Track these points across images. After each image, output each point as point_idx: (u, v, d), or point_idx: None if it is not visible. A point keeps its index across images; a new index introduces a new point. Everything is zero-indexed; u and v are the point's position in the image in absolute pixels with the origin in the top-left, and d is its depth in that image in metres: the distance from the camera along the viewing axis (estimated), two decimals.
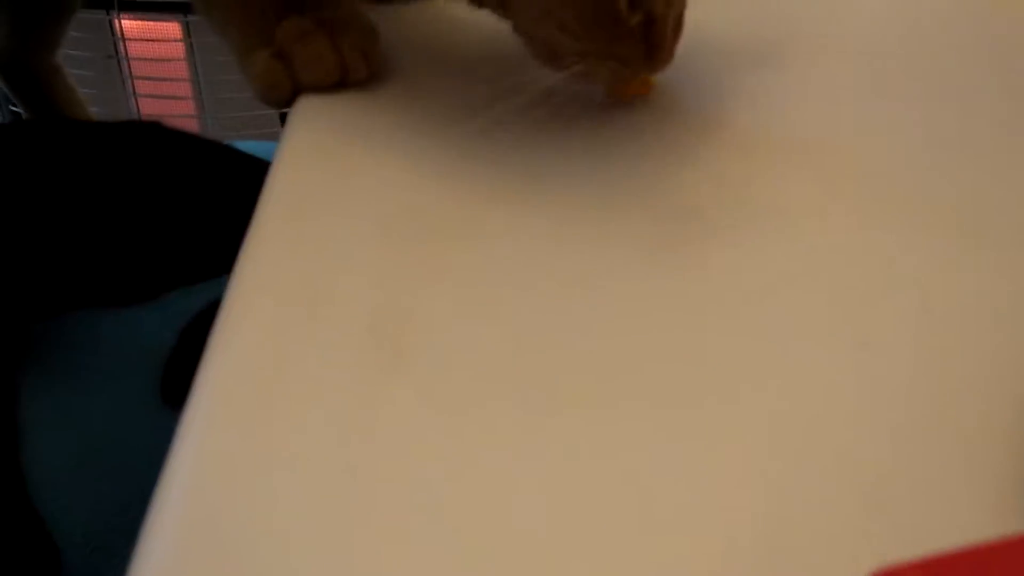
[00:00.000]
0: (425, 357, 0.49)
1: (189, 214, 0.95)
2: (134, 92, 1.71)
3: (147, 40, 1.69)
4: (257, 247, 0.57)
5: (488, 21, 0.77)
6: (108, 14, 1.64)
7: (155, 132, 1.01)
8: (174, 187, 0.96)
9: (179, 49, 1.69)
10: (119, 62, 1.69)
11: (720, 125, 0.68)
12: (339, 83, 0.70)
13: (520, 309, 0.52)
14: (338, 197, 0.61)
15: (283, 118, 0.91)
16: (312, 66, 0.69)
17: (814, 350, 0.50)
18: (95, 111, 1.70)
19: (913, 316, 0.52)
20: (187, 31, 1.69)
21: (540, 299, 0.53)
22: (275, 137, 1.10)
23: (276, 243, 0.57)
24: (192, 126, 1.75)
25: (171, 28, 1.68)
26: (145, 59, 1.70)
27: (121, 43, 1.67)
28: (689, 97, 0.71)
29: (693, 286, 0.54)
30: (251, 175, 0.75)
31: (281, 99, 0.70)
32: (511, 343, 0.50)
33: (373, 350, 0.50)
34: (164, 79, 1.72)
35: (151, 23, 1.67)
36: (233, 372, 0.49)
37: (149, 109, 1.73)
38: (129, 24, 1.66)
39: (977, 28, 0.80)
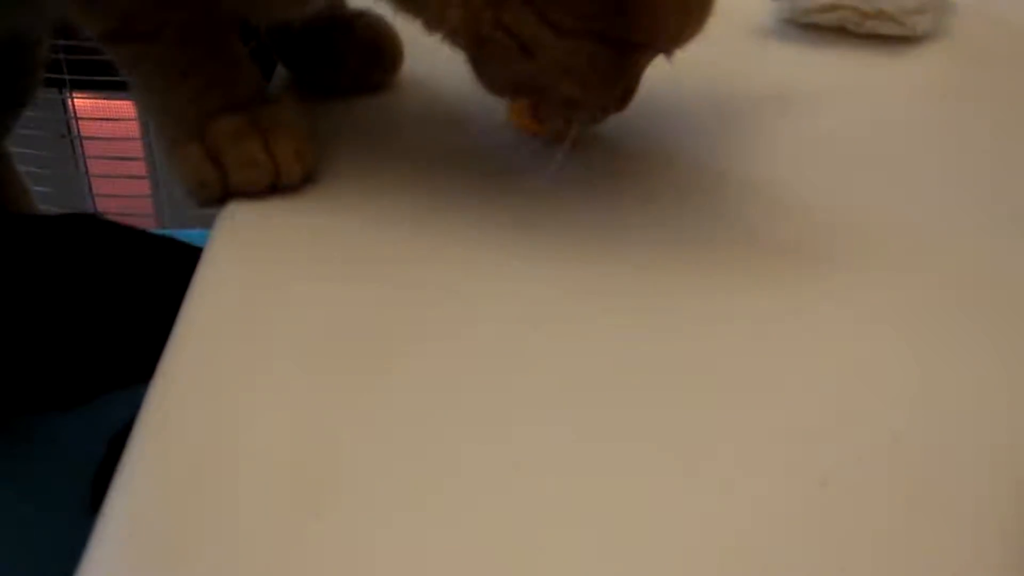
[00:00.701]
0: (349, 500, 0.46)
1: (124, 312, 0.92)
2: (87, 172, 1.68)
3: (101, 119, 1.66)
4: (171, 376, 0.54)
5: (436, 113, 0.76)
6: (61, 93, 1.61)
7: (91, 226, 0.98)
8: (108, 285, 0.93)
9: (133, 128, 1.67)
10: (72, 141, 1.67)
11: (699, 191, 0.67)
12: (271, 186, 0.67)
13: (452, 442, 0.50)
14: (262, 318, 0.59)
15: None
16: (244, 169, 0.67)
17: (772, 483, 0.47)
18: (47, 191, 1.67)
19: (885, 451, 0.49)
20: None
21: (472, 433, 0.50)
22: None
23: (191, 372, 0.55)
24: (147, 207, 1.72)
25: (125, 107, 1.65)
26: (99, 138, 1.68)
27: (74, 122, 1.65)
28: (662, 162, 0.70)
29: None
30: (190, 268, 0.72)
31: (210, 199, 0.68)
32: (445, 486, 0.47)
33: (292, 491, 0.47)
34: (118, 158, 1.69)
35: (105, 101, 1.65)
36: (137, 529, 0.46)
37: (103, 189, 1.70)
38: (82, 103, 1.64)
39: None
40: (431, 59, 0.79)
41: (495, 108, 0.75)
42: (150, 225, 1.70)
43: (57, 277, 0.92)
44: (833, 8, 0.85)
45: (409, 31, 0.78)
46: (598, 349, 0.56)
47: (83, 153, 1.69)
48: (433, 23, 0.64)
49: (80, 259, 0.95)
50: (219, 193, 0.67)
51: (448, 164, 0.72)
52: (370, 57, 0.79)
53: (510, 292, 0.61)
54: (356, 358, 0.55)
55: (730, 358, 0.55)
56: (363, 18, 0.79)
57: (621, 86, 0.65)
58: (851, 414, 0.52)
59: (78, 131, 1.66)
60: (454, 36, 0.64)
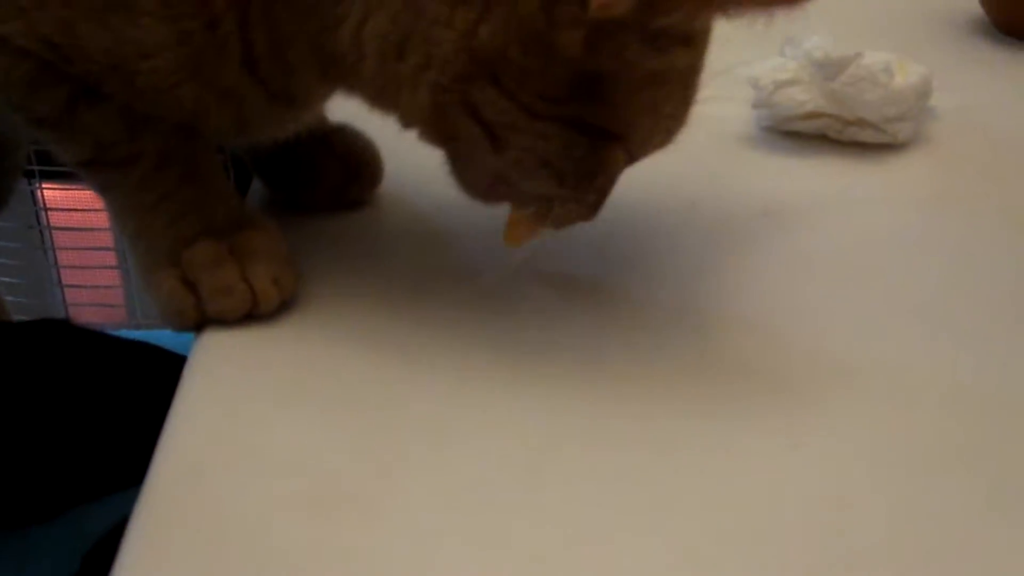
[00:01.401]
0: None
1: (95, 421, 0.90)
2: (56, 263, 1.66)
3: (70, 210, 1.64)
4: (146, 523, 0.53)
5: (417, 231, 0.75)
6: (30, 183, 1.59)
7: (62, 333, 0.96)
8: (80, 394, 0.91)
9: (104, 219, 1.65)
10: (41, 232, 1.65)
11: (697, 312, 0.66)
12: (249, 314, 0.66)
13: None
14: (239, 454, 0.57)
15: None
16: (220, 297, 0.66)
17: None
18: (16, 282, 1.65)
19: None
20: None
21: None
22: None
23: (165, 520, 0.53)
24: (118, 298, 1.70)
25: (95, 197, 1.63)
26: (69, 229, 1.66)
27: (43, 212, 1.62)
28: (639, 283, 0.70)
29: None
30: (163, 373, 0.70)
31: (186, 327, 0.67)
32: None
33: None
34: (89, 249, 1.67)
35: (74, 192, 1.63)
36: None
37: (73, 280, 1.68)
38: (52, 193, 1.62)
39: None
40: (411, 175, 0.79)
41: (478, 224, 0.74)
42: (121, 317, 1.68)
43: (28, 387, 0.90)
44: (814, 116, 0.85)
45: (388, 145, 0.79)
46: (586, 487, 0.55)
47: (52, 244, 1.66)
48: (405, 112, 0.62)
49: (51, 368, 0.93)
50: (195, 321, 0.66)
51: (430, 285, 0.71)
52: (349, 173, 0.77)
53: (493, 423, 0.60)
54: (334, 494, 0.54)
55: (717, 489, 0.55)
56: (341, 133, 0.78)
57: (596, 186, 0.63)
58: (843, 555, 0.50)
59: (47, 222, 1.64)
60: (426, 126, 0.62)
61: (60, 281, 1.67)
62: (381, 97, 0.63)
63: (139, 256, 0.68)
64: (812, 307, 0.69)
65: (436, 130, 0.62)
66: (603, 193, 0.64)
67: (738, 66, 0.85)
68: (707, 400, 0.61)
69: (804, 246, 0.75)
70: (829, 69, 0.83)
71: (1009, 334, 0.67)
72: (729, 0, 0.55)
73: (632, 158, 0.64)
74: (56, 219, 1.65)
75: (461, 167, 0.64)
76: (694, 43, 0.60)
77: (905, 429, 0.59)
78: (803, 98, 0.84)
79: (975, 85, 0.96)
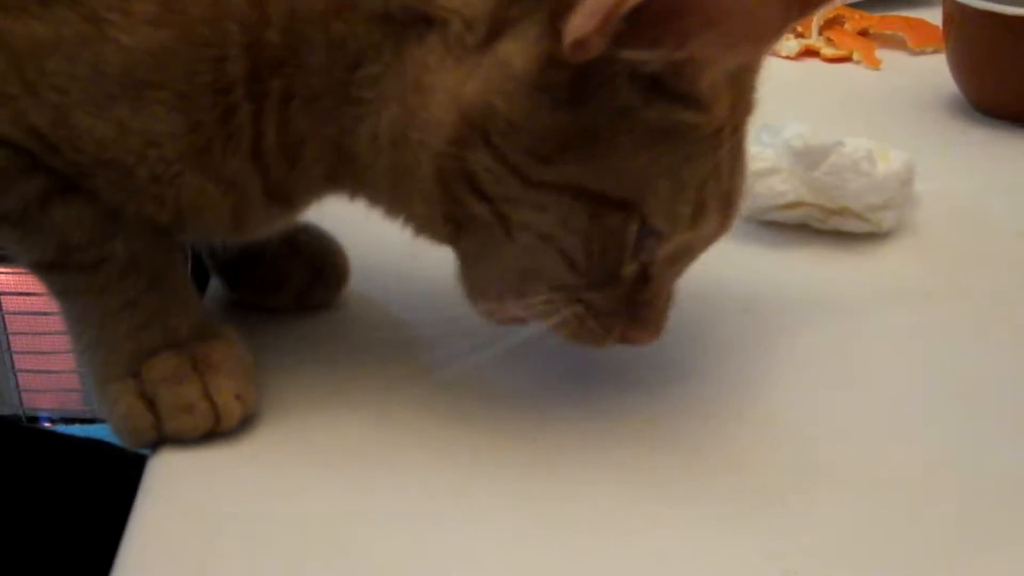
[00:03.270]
0: None
1: (43, 530, 0.86)
2: (10, 348, 1.62)
3: (25, 294, 1.60)
4: None
5: (385, 334, 0.72)
6: None
7: (11, 435, 0.93)
8: (27, 501, 0.87)
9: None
10: None
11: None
12: (210, 431, 0.63)
13: None
14: None
15: None
16: (180, 415, 0.62)
17: None
18: None
19: None
20: None
21: None
22: None
23: None
24: (73, 383, 1.65)
25: None
26: (23, 313, 1.62)
27: None
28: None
29: None
30: (119, 477, 0.66)
31: (142, 446, 0.63)
32: None
33: None
34: (43, 333, 1.63)
35: (30, 276, 1.59)
36: None
37: (28, 365, 1.64)
38: (6, 278, 1.58)
39: None
40: (379, 274, 0.76)
41: (450, 326, 0.71)
42: (76, 403, 1.64)
43: None
44: (795, 206, 0.82)
45: (354, 244, 0.75)
46: None
47: (6, 329, 1.62)
48: (417, 205, 0.60)
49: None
50: (152, 440, 0.63)
51: (400, 393, 0.67)
52: (314, 275, 0.74)
53: (470, 539, 0.57)
54: None
55: None
56: (306, 233, 0.75)
57: (626, 276, 0.60)
58: None
59: (1, 306, 1.60)
60: (435, 217, 0.60)
61: (14, 367, 1.63)
62: (395, 193, 0.61)
63: (95, 367, 0.64)
64: (797, 408, 0.67)
65: (446, 218, 0.59)
66: (642, 302, 0.61)
67: None
68: (686, 497, 0.59)
69: (788, 346, 0.72)
70: (809, 158, 0.80)
71: (996, 432, 0.65)
72: (712, 37, 0.53)
73: (664, 238, 0.60)
74: (10, 304, 1.61)
75: (471, 268, 0.62)
76: (699, 102, 0.56)
77: (887, 526, 0.58)
78: (783, 188, 0.81)
79: (956, 168, 0.94)
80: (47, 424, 1.71)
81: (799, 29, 1.18)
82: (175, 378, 0.62)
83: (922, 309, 0.76)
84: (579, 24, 0.52)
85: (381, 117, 0.58)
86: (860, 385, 0.69)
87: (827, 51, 1.16)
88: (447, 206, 0.59)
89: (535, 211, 0.58)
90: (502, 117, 0.55)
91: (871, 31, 1.19)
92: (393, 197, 0.61)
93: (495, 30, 0.56)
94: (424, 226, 0.62)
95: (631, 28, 0.52)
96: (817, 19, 1.18)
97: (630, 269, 0.60)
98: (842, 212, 0.82)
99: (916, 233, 0.84)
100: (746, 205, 0.83)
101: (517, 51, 0.55)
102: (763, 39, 0.56)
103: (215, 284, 0.76)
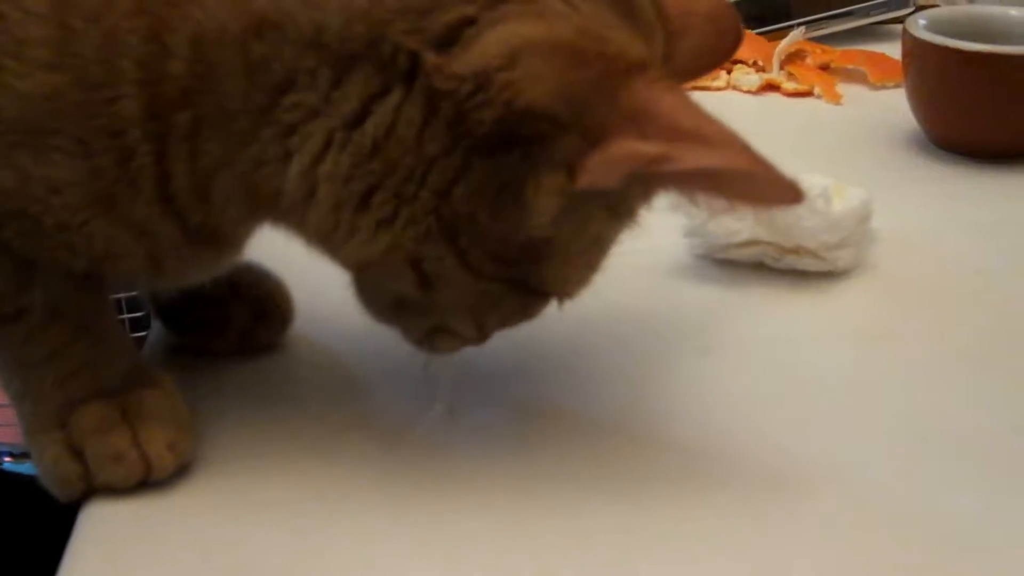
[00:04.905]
0: None
1: None
2: None
3: None
4: None
5: (330, 377, 0.70)
6: None
7: None
8: None
9: None
10: None
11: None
12: (142, 481, 0.61)
13: None
14: None
15: None
16: (110, 465, 0.60)
17: None
18: None
19: None
20: None
21: None
22: None
23: None
24: (8, 417, 1.62)
25: None
26: None
27: None
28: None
29: None
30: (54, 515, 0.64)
31: (71, 497, 0.61)
32: None
33: None
34: None
35: None
36: None
37: None
38: None
39: None
40: (324, 314, 0.75)
41: (398, 367, 0.70)
42: (15, 438, 1.61)
43: None
44: (750, 244, 0.81)
45: (299, 283, 0.74)
46: None
47: None
48: (347, 258, 0.59)
49: None
50: (81, 491, 0.61)
51: (343, 440, 0.66)
52: (257, 316, 0.73)
53: None
54: None
55: None
56: (248, 273, 0.73)
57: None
58: None
59: None
60: (362, 272, 0.60)
61: None
62: (324, 241, 0.58)
63: (23, 417, 0.63)
64: (757, 450, 0.65)
65: (367, 271, 0.59)
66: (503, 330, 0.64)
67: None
68: (641, 541, 0.58)
69: (745, 387, 0.71)
70: None
71: (955, 472, 0.64)
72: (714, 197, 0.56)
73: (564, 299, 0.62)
74: None
75: (369, 292, 0.62)
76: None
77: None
78: (737, 226, 0.80)
79: (914, 204, 0.93)
80: (7, 458, 1.68)
81: (760, 63, 1.17)
82: (103, 428, 0.60)
83: (879, 349, 0.75)
84: (602, 168, 0.53)
85: (321, 163, 0.54)
86: (819, 426, 0.67)
87: (788, 85, 1.15)
88: (378, 270, 0.58)
89: (470, 294, 0.58)
90: (480, 226, 0.55)
91: (832, 65, 1.18)
92: (318, 244, 0.59)
93: (501, 142, 0.53)
94: (345, 268, 0.60)
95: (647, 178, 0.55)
96: (779, 53, 1.17)
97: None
98: (797, 250, 0.80)
99: (873, 271, 0.83)
100: (701, 243, 0.82)
101: (523, 172, 0.54)
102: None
103: (157, 327, 0.75)
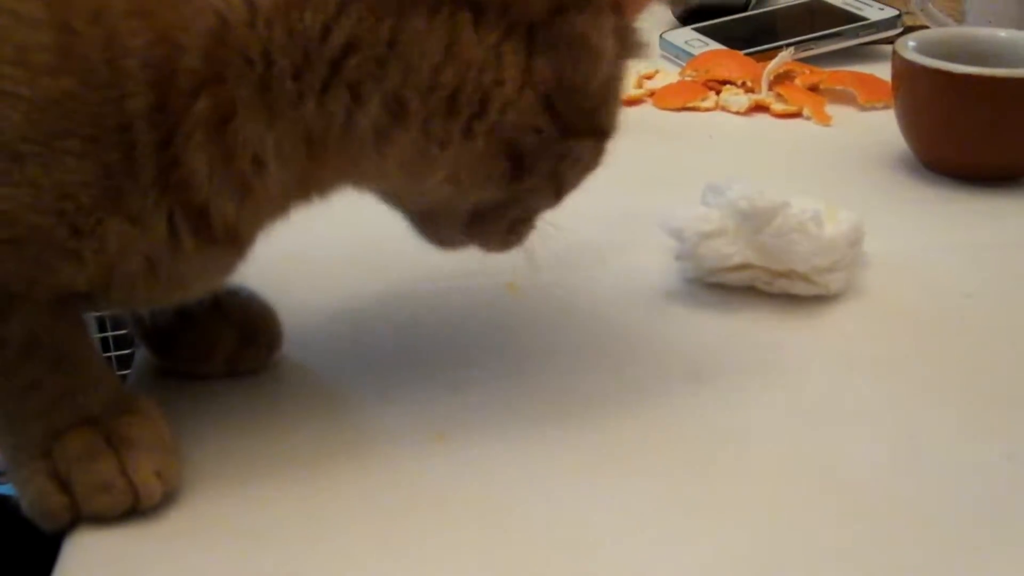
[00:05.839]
0: None
1: None
2: None
3: None
4: None
5: (319, 402, 0.70)
6: None
7: None
8: None
9: None
10: None
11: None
12: (129, 510, 0.60)
13: None
14: None
15: None
16: (96, 495, 0.60)
17: None
18: None
19: None
20: None
21: None
22: None
23: None
24: None
25: None
26: None
27: None
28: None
29: None
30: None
31: (58, 528, 0.60)
32: None
33: None
34: None
35: None
36: None
37: None
38: None
39: None
40: (313, 337, 0.74)
41: (388, 392, 0.70)
42: None
43: None
44: (742, 268, 0.80)
45: (287, 307, 0.73)
46: None
47: None
48: (437, 172, 0.61)
49: None
50: (68, 522, 0.60)
51: (331, 465, 0.65)
52: (245, 339, 0.72)
53: None
54: None
55: None
56: (236, 296, 0.72)
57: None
58: None
59: None
60: (449, 182, 0.61)
61: None
62: (410, 172, 0.60)
63: (6, 449, 0.62)
64: (749, 479, 0.65)
65: (455, 194, 0.62)
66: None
67: (658, 214, 0.81)
68: None
69: (736, 415, 0.70)
70: (755, 220, 0.79)
71: (948, 499, 0.63)
72: None
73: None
74: None
75: (440, 224, 0.66)
76: None
77: None
78: (729, 251, 0.80)
79: (905, 227, 0.92)
80: None
81: (749, 84, 1.17)
82: (89, 456, 0.60)
83: (870, 373, 0.74)
84: None
85: (400, 90, 0.57)
86: (811, 452, 0.67)
87: (777, 106, 1.15)
88: (466, 181, 0.61)
89: (561, 161, 0.63)
90: (568, 85, 0.60)
91: (821, 86, 1.18)
92: (404, 175, 0.61)
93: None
94: (415, 199, 0.65)
95: None
96: (767, 74, 1.17)
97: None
98: (789, 275, 0.80)
99: (864, 295, 0.82)
100: (692, 267, 0.82)
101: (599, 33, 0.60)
102: None
103: (141, 352, 0.74)
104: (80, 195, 0.55)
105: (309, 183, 0.61)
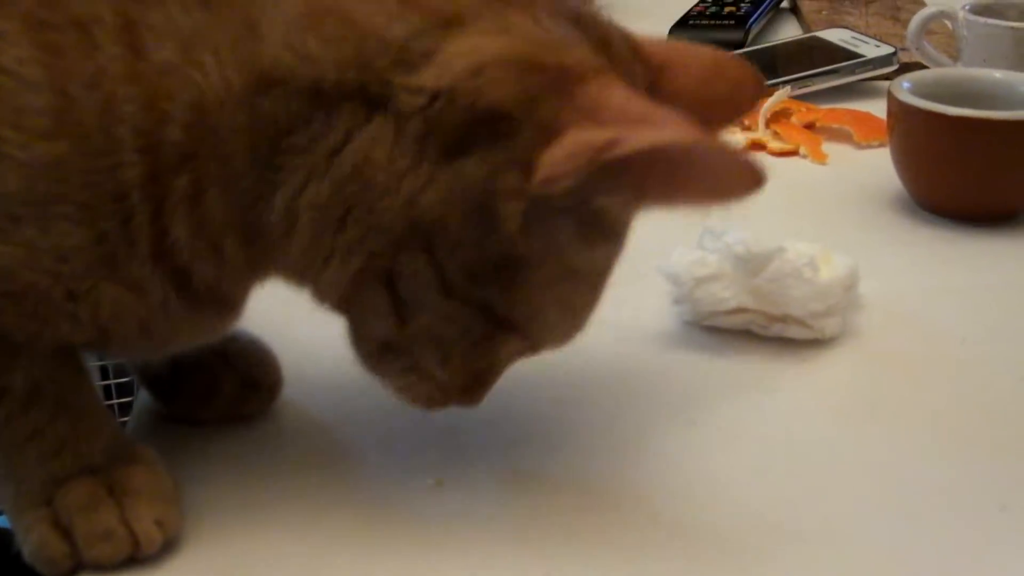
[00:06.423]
0: None
1: None
2: None
3: None
4: None
5: (319, 446, 0.70)
6: None
7: None
8: None
9: None
10: None
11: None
12: (129, 558, 0.61)
13: None
14: None
15: None
16: (97, 543, 0.60)
17: None
18: None
19: None
20: None
21: None
22: None
23: None
24: None
25: None
26: None
27: None
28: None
29: None
30: None
31: (59, 574, 0.61)
32: None
33: None
34: None
35: None
36: None
37: None
38: None
39: None
40: (313, 383, 0.75)
41: (389, 438, 0.71)
42: None
43: None
44: (738, 311, 0.81)
45: (288, 352, 0.74)
46: None
47: None
48: (325, 286, 0.60)
49: None
50: (69, 568, 0.60)
51: (332, 511, 0.65)
52: (245, 384, 0.72)
53: None
54: None
55: None
56: (236, 341, 0.73)
57: (476, 373, 0.63)
58: None
59: None
60: (340, 299, 0.60)
61: None
62: (305, 274, 0.60)
63: (7, 497, 0.62)
64: (743, 524, 0.65)
65: (348, 302, 0.60)
66: (483, 381, 0.64)
67: (655, 258, 0.82)
68: None
69: (731, 460, 0.71)
70: (751, 264, 0.79)
71: (945, 548, 0.64)
72: (672, 191, 0.56)
73: (531, 351, 0.64)
74: None
75: (357, 333, 0.62)
76: (617, 239, 0.61)
77: None
78: (726, 295, 0.80)
79: (900, 269, 0.93)
80: None
81: (746, 123, 1.18)
82: (90, 505, 0.60)
83: (865, 419, 0.75)
84: (556, 161, 0.53)
85: (303, 192, 0.56)
86: (805, 499, 0.67)
87: (774, 144, 1.15)
88: (353, 295, 0.59)
89: (439, 319, 0.59)
90: (452, 234, 0.56)
91: (818, 124, 1.19)
92: (299, 276, 0.61)
93: (463, 146, 0.55)
94: (322, 301, 0.61)
95: (602, 171, 0.53)
96: (764, 112, 1.17)
97: (482, 368, 0.63)
98: (784, 319, 0.81)
99: (860, 339, 0.83)
100: (689, 310, 0.82)
101: (482, 174, 0.55)
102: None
103: (142, 396, 0.75)
104: (75, 259, 0.56)
105: (252, 266, 0.61)
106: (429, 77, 0.55)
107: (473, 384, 0.64)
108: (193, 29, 0.55)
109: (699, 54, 0.65)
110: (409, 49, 0.55)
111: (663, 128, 0.53)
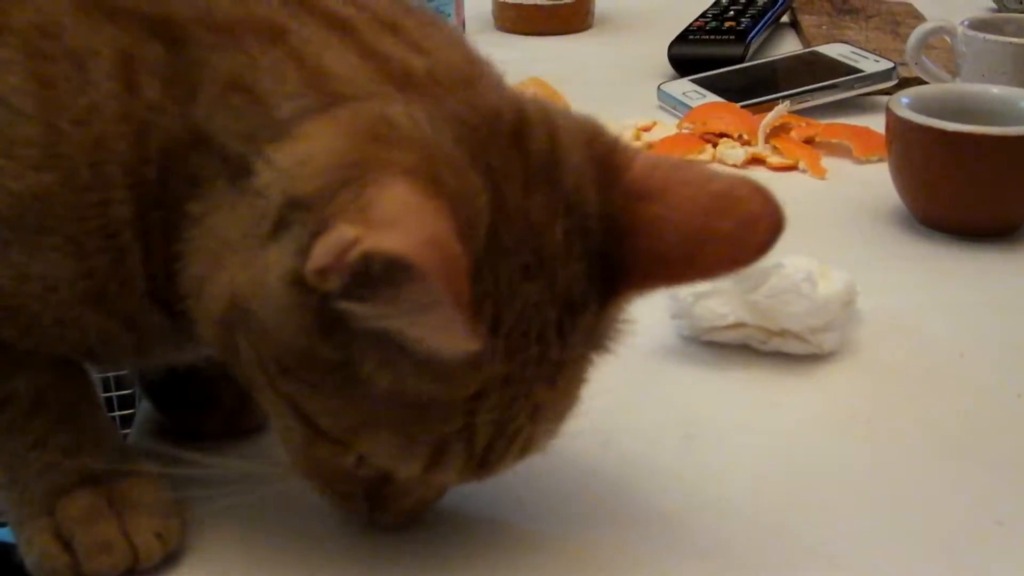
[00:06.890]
0: None
1: None
2: None
3: None
4: None
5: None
6: None
7: None
8: None
9: None
10: None
11: None
12: (129, 571, 0.61)
13: None
14: None
15: None
16: (97, 555, 0.60)
17: None
18: None
19: None
20: None
21: None
22: None
23: None
24: None
25: None
26: None
27: None
28: None
29: None
30: None
31: None
32: None
33: None
34: None
35: None
36: None
37: None
38: None
39: None
40: None
41: None
42: None
43: None
44: (736, 327, 0.82)
45: None
46: None
47: None
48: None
49: None
50: None
51: (331, 525, 0.65)
52: (246, 396, 0.72)
53: None
54: None
55: None
56: None
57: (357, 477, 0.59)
58: None
59: None
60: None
61: None
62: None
63: (9, 506, 0.63)
64: (740, 540, 0.65)
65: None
66: (390, 495, 0.60)
67: None
68: None
69: (728, 476, 0.71)
70: (750, 280, 0.80)
71: (945, 564, 0.64)
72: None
73: (389, 476, 0.59)
74: None
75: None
76: (443, 372, 0.52)
77: None
78: (724, 310, 0.81)
79: (898, 283, 0.93)
80: None
81: (746, 137, 1.18)
82: (91, 517, 0.61)
83: (863, 434, 0.75)
84: (319, 253, 0.49)
85: (192, 263, 0.56)
86: (803, 514, 0.68)
87: (773, 160, 1.16)
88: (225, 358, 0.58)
89: (272, 407, 0.57)
90: (256, 320, 0.53)
91: (817, 139, 1.19)
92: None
93: (276, 228, 0.52)
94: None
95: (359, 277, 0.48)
96: (764, 127, 1.18)
97: (361, 474, 0.58)
98: (783, 334, 0.81)
99: (858, 353, 0.83)
100: (687, 325, 0.83)
101: (277, 260, 0.52)
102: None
103: (144, 409, 0.75)
104: (63, 290, 0.57)
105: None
106: (281, 156, 0.53)
107: (375, 497, 0.61)
108: (173, 70, 0.55)
109: (709, 182, 0.57)
110: (287, 128, 0.53)
111: (401, 234, 0.47)
